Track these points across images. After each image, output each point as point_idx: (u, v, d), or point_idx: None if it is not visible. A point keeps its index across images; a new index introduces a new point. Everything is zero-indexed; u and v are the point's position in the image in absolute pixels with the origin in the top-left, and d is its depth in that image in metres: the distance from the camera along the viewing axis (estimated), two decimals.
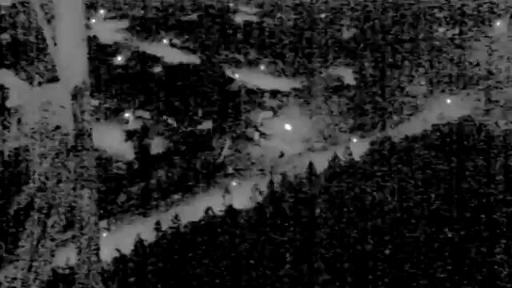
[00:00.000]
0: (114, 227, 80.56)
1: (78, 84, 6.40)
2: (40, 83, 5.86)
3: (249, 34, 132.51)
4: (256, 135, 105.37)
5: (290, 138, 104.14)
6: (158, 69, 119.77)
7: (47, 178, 5.25)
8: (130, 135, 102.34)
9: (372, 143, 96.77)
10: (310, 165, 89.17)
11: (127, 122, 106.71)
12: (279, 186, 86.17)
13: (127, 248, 76.10)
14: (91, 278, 6.59)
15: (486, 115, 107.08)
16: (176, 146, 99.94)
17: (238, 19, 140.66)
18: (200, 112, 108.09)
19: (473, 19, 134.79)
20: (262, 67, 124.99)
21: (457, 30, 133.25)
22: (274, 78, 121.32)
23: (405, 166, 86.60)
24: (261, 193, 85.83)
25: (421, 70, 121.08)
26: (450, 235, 74.54)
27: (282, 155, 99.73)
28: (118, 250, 74.32)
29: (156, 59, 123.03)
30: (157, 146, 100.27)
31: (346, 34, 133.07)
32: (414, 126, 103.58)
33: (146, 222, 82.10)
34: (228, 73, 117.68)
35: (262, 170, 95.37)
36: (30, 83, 5.81)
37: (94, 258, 6.61)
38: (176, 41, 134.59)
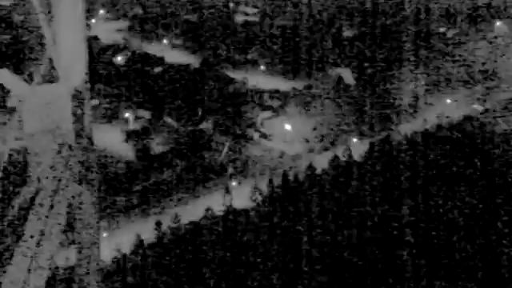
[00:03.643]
0: (114, 227, 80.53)
1: (77, 84, 6.39)
2: (40, 83, 5.84)
3: (249, 34, 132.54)
4: (256, 135, 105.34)
5: (290, 137, 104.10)
6: (158, 69, 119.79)
7: (47, 179, 5.23)
8: (129, 135, 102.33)
9: (372, 143, 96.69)
10: (310, 165, 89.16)
11: (127, 121, 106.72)
12: (279, 186, 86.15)
13: (127, 248, 76.10)
14: (91, 278, 6.57)
15: (485, 115, 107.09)
16: (176, 146, 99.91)
17: (238, 19, 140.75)
18: (200, 112, 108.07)
19: (473, 19, 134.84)
20: (262, 67, 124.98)
21: (457, 30, 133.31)
22: (274, 78, 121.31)
23: (405, 166, 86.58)
24: (261, 193, 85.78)
25: (421, 69, 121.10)
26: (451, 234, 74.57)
27: (281, 155, 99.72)
28: (118, 251, 74.31)
29: (156, 59, 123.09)
30: (157, 146, 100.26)
31: (347, 34, 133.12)
32: (414, 126, 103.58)
33: (146, 222, 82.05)
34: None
35: (262, 170, 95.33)
36: (30, 83, 5.79)
37: (93, 258, 6.60)
38: (176, 41, 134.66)
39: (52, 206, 5.25)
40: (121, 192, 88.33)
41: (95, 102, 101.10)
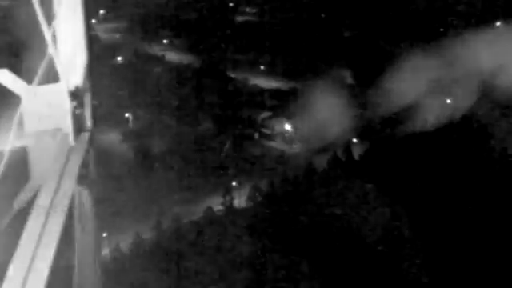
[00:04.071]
0: (113, 227, 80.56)
1: (78, 84, 6.42)
2: (40, 83, 5.85)
3: (249, 33, 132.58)
4: (256, 135, 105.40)
5: (290, 137, 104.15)
6: (157, 69, 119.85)
7: (47, 179, 5.24)
8: (129, 135, 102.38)
9: (372, 143, 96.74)
10: (310, 165, 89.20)
11: (127, 121, 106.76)
12: (279, 185, 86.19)
13: (127, 248, 76.17)
14: (91, 279, 6.59)
15: (485, 115, 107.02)
16: (176, 146, 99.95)
17: (238, 19, 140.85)
18: (200, 112, 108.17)
19: (473, 18, 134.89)
20: (262, 67, 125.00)
21: (457, 29, 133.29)
22: (274, 78, 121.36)
23: (405, 166, 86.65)
24: (261, 193, 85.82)
25: (419, 69, 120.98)
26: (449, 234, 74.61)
27: (282, 155, 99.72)
28: (118, 251, 74.39)
29: (156, 59, 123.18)
30: (157, 146, 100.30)
31: (347, 34, 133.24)
32: (414, 126, 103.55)
33: (146, 222, 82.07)
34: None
35: (262, 169, 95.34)
36: (30, 83, 5.81)
37: (94, 258, 6.62)
38: (176, 41, 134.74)
39: (52, 206, 5.25)
40: (121, 192, 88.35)
41: (95, 102, 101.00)
